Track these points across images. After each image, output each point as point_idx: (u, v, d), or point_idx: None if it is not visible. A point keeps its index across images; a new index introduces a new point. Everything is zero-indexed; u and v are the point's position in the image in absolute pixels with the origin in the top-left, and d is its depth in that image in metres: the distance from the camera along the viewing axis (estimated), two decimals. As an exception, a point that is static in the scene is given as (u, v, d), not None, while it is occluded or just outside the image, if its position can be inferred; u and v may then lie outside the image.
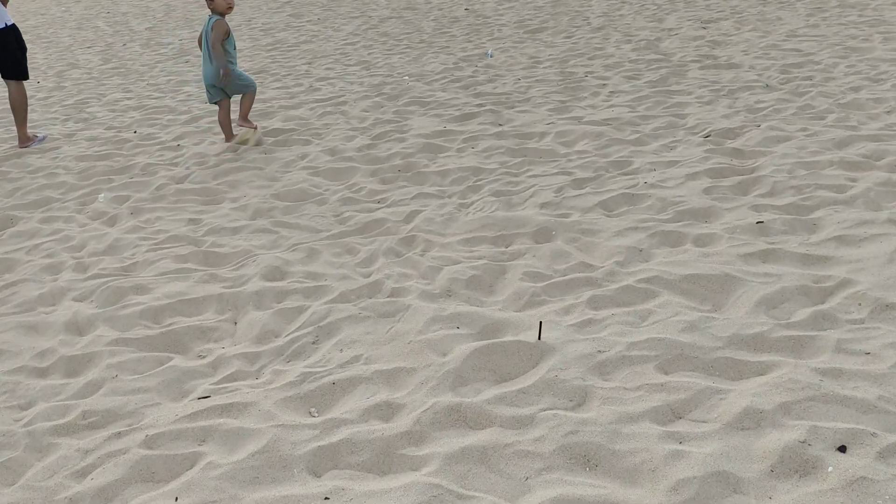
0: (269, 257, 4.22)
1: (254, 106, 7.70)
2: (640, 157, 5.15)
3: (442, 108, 6.96)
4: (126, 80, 9.86)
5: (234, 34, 12.61)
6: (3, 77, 7.16)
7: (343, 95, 7.82)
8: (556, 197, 4.62)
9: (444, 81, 7.98)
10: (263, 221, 4.79)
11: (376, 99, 7.50)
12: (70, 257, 4.62)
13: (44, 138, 7.53)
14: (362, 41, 11.04)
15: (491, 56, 9.01)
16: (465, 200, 4.77)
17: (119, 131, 7.39)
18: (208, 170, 5.86)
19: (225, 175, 5.76)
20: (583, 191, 4.68)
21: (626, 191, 4.58)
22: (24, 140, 7.27)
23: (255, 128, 6.47)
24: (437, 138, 6.05)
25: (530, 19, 11.40)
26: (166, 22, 15.14)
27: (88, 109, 8.41)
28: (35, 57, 12.09)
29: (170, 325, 3.72)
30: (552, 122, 6.11)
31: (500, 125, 6.22)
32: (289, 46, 11.22)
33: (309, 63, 9.80)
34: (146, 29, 14.41)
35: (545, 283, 3.66)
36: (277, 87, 8.56)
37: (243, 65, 10.11)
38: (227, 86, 6.25)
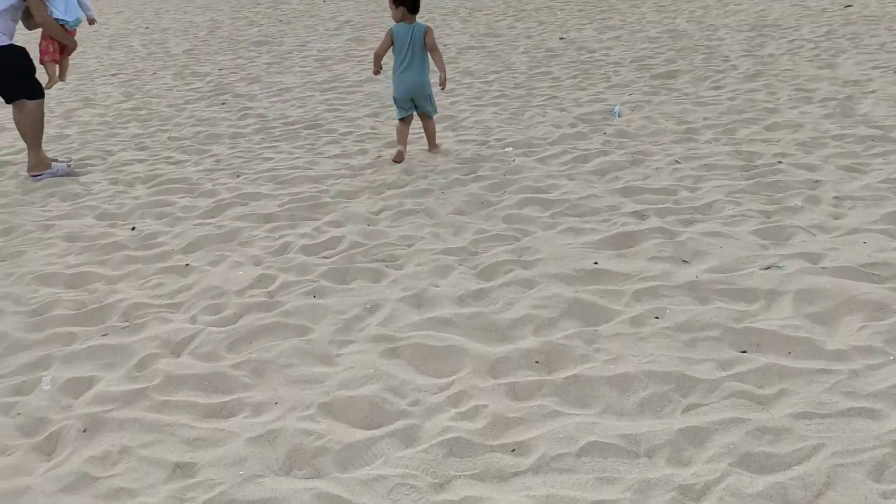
0: None
1: (304, 192, 5.53)
2: None
3: (576, 213, 4.69)
4: (144, 130, 7.79)
5: (285, 62, 10.54)
6: (6, 101, 6.24)
7: (426, 176, 5.60)
8: (882, 495, 2.32)
9: (565, 160, 5.71)
10: (303, 489, 2.58)
11: (473, 188, 5.26)
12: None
13: (60, 170, 6.33)
14: (440, 81, 8.82)
15: (618, 115, 6.73)
16: (689, 477, 2.48)
17: (112, 224, 5.27)
18: (223, 328, 3.68)
19: (248, 341, 3.56)
20: (932, 479, 2.36)
21: None
22: (35, 166, 6.27)
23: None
24: (587, 286, 3.77)
25: (650, 57, 9.08)
26: (209, 43, 13.15)
27: (84, 178, 6.33)
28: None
29: None
30: (775, 265, 3.79)
31: (686, 262, 3.93)
32: (349, 86, 9.06)
33: (375, 115, 7.62)
34: (184, 52, 12.43)
35: None
36: (334, 156, 6.38)
37: (293, 112, 7.99)
38: (428, 101, 5.96)
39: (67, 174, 6.36)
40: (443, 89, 5.99)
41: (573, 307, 3.55)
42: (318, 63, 10.56)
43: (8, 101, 6.28)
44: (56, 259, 4.72)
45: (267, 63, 10.88)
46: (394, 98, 5.98)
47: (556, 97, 7.60)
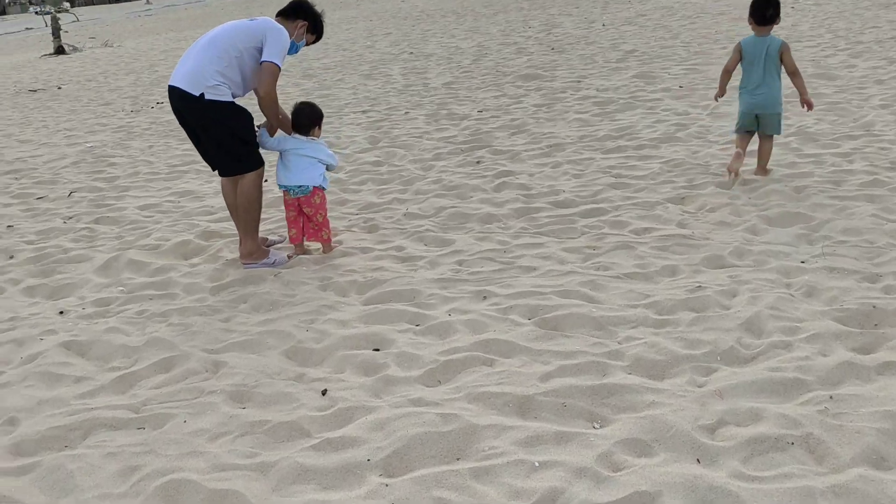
0: None
1: (581, 352, 3.52)
2: None
3: None
4: (379, 198, 6.24)
5: (557, 105, 8.62)
6: (220, 174, 5.01)
7: (789, 344, 3.33)
8: None
9: None
10: None
11: (889, 396, 2.94)
12: None
13: (278, 261, 4.99)
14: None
15: None
16: None
17: (301, 374, 3.61)
18: None
19: None
20: None
21: None
22: (250, 255, 4.95)
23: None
24: None
25: None
26: (472, 75, 11.60)
27: (290, 275, 4.81)
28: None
29: None
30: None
31: None
32: (639, 146, 6.94)
33: (682, 200, 5.44)
34: (443, 85, 11.01)
35: None
36: (626, 276, 4.30)
37: (565, 184, 6.03)
38: (775, 120, 5.47)
39: (283, 265, 4.94)
40: (809, 110, 5.55)
41: None
42: (597, 108, 8.54)
43: (222, 174, 5.00)
44: (205, 444, 3.12)
45: (535, 105, 9.04)
46: (740, 111, 5.58)
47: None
